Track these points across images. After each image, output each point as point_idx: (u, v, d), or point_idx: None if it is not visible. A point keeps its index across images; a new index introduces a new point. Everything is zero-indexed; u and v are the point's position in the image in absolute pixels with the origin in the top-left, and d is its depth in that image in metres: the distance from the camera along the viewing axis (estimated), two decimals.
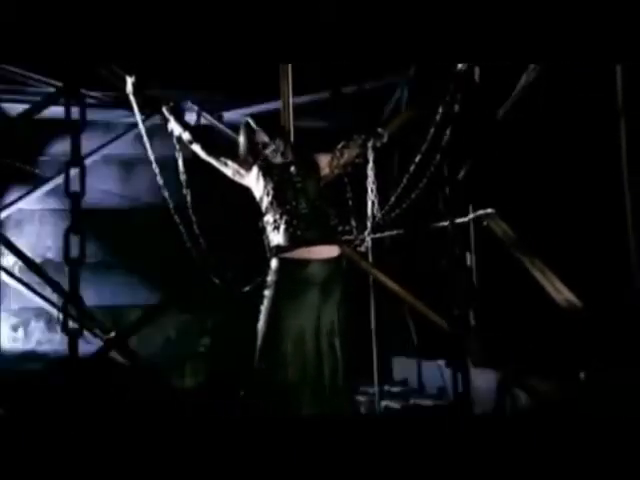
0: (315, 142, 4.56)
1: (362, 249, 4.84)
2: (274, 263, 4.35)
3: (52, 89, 6.80)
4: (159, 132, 4.83)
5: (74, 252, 6.66)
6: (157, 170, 4.84)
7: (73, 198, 6.78)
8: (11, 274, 7.08)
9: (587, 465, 3.68)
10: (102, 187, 7.25)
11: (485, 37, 5.26)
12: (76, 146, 6.80)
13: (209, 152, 4.57)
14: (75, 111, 6.03)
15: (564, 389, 4.95)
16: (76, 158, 6.81)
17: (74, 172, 6.80)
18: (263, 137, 4.46)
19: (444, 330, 5.55)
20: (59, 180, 7.12)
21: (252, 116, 4.55)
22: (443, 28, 5.32)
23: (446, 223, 5.11)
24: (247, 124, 4.52)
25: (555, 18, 5.23)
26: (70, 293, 6.57)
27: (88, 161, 6.98)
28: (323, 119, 6.82)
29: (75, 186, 6.80)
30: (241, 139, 4.54)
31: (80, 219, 6.65)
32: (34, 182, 7.37)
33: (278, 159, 4.45)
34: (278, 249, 4.33)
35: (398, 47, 5.43)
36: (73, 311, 5.69)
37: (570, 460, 3.73)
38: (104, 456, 3.93)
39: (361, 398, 6.13)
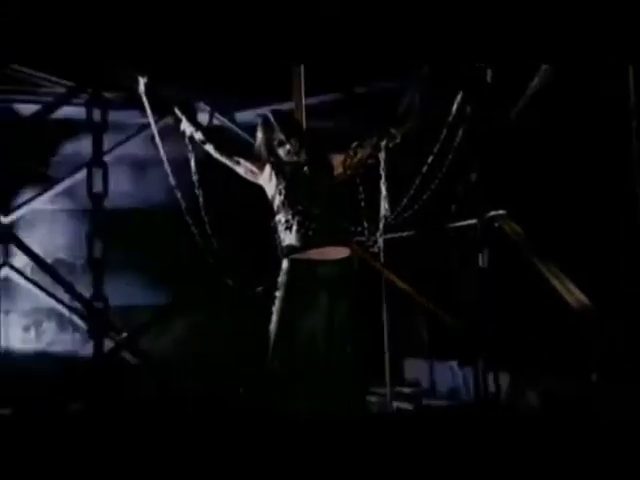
0: (328, 142, 4.57)
1: (374, 250, 4.84)
2: (285, 264, 4.35)
3: (63, 89, 6.82)
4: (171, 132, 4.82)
5: (97, 253, 6.71)
6: (169, 170, 4.84)
7: (95, 199, 6.86)
8: (23, 274, 7.08)
9: (598, 467, 3.67)
10: (114, 188, 7.23)
11: (495, 37, 5.26)
12: (98, 147, 6.87)
13: (222, 152, 4.57)
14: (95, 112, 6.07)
15: (576, 390, 4.95)
16: (97, 158, 6.89)
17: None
18: (279, 135, 4.46)
19: (456, 331, 5.55)
20: (71, 181, 7.13)
21: (272, 112, 4.54)
22: (451, 28, 5.34)
23: (458, 224, 5.12)
24: (266, 120, 4.51)
25: (567, 18, 5.23)
26: (93, 295, 6.65)
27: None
28: (336, 119, 6.81)
29: (94, 187, 6.90)
30: (258, 134, 4.53)
31: (104, 221, 6.66)
32: (46, 182, 7.37)
33: (292, 158, 4.45)
34: (289, 249, 4.33)
35: (407, 47, 5.44)
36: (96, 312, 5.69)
37: (581, 462, 3.72)
38: (112, 455, 3.94)
39: (372, 399, 6.13)
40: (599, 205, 5.78)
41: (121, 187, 7.55)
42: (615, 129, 5.63)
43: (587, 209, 5.80)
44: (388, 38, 5.46)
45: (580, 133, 5.82)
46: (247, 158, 4.52)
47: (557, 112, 5.86)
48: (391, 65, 5.67)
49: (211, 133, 4.65)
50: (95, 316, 6.11)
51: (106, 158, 7.11)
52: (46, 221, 7.60)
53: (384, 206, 4.64)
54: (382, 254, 5.60)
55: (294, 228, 4.32)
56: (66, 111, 7.06)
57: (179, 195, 4.83)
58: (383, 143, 4.54)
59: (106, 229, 6.77)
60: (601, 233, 5.72)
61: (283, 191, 4.37)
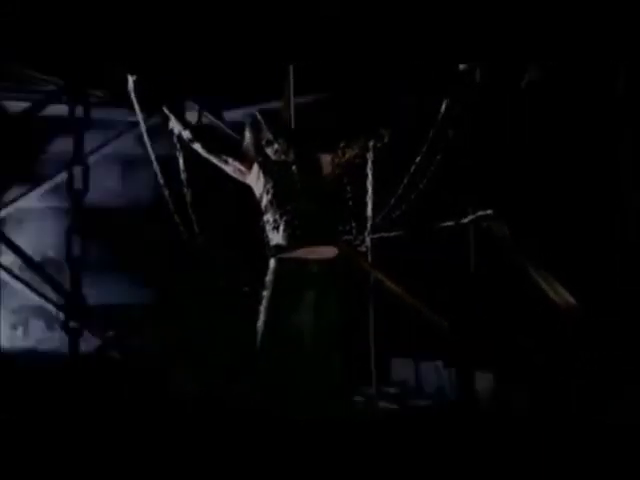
0: (317, 141, 4.57)
1: (362, 249, 4.85)
2: (273, 263, 4.36)
3: (53, 87, 6.80)
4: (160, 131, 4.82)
5: (76, 251, 6.73)
6: (158, 169, 4.84)
7: (75, 196, 6.86)
8: (11, 272, 7.06)
9: (595, 469, 3.69)
10: (103, 186, 7.22)
11: (486, 36, 5.27)
12: (79, 145, 6.87)
13: (210, 150, 4.57)
14: (78, 109, 6.05)
15: (562, 391, 4.96)
16: (78, 157, 6.88)
17: (76, 171, 6.87)
18: (268, 135, 4.46)
19: (444, 331, 5.54)
20: (60, 178, 7.11)
21: (260, 112, 4.54)
22: (444, 28, 5.35)
23: (446, 224, 5.12)
24: (254, 120, 4.51)
25: (557, 17, 5.24)
26: (71, 292, 6.65)
27: (89, 160, 7.02)
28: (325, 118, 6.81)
29: (77, 184, 6.89)
30: (247, 134, 4.53)
31: (82, 218, 6.69)
32: (34, 180, 7.35)
33: (280, 158, 4.45)
34: (277, 249, 4.34)
35: (399, 46, 5.45)
36: (74, 310, 5.71)
37: (578, 464, 3.74)
38: (102, 455, 3.94)
39: (358, 399, 6.12)
40: (590, 205, 5.79)
41: (109, 185, 7.55)
42: (606, 127, 5.64)
43: (578, 208, 5.81)
44: (387, 38, 5.47)
45: (570, 131, 5.83)
46: (235, 157, 4.52)
47: (547, 110, 5.87)
48: (387, 65, 5.67)
49: (199, 132, 4.65)
50: (72, 314, 6.13)
51: (95, 157, 7.11)
52: (34, 219, 7.58)
53: (371, 206, 4.66)
54: (370, 253, 5.61)
55: (281, 227, 4.32)
56: (56, 108, 7.04)
57: (167, 194, 4.83)
58: (371, 143, 4.55)
59: (90, 227, 6.76)
60: (592, 233, 5.72)
61: (271, 190, 4.37)
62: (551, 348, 5.37)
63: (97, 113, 7.06)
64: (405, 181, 4.95)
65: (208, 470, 3.82)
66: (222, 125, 7.32)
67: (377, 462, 3.81)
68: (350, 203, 4.65)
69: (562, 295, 5.29)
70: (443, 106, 4.78)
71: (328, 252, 4.38)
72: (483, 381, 5.56)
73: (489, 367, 5.61)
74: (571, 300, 5.27)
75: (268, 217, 4.39)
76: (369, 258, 5.73)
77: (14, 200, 7.15)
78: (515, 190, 5.85)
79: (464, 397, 5.55)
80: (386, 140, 4.58)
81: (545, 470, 3.69)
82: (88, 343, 6.74)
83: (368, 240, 4.79)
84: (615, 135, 5.60)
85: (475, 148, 5.77)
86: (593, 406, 4.60)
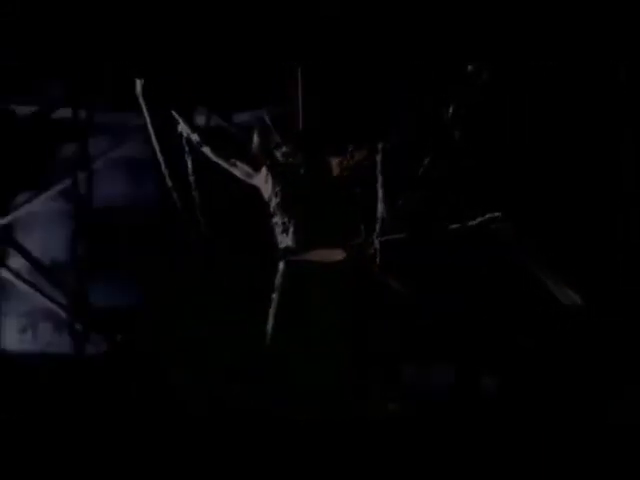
0: (325, 144, 4.58)
1: (371, 251, 4.85)
2: (282, 266, 4.37)
3: (61, 91, 6.82)
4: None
5: (83, 254, 6.76)
6: (166, 172, 4.85)
7: (81, 200, 6.89)
8: (19, 276, 7.09)
9: (597, 469, 3.69)
10: (110, 189, 7.24)
11: (489, 36, 5.28)
12: (83, 149, 6.89)
13: (218, 153, 4.59)
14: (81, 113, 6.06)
15: (562, 391, 4.96)
16: (83, 161, 6.91)
17: (82, 175, 6.90)
18: (276, 138, 4.47)
19: (453, 333, 5.54)
20: (68, 182, 7.13)
21: (269, 115, 4.55)
22: (448, 29, 5.36)
23: (454, 226, 5.12)
24: (263, 123, 4.52)
25: (559, 17, 5.25)
26: (78, 294, 6.66)
27: (97, 163, 7.04)
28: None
29: (83, 188, 6.92)
30: (255, 137, 4.54)
31: (89, 221, 6.71)
32: (43, 184, 7.36)
33: (288, 161, 4.45)
34: (286, 251, 4.35)
35: (403, 47, 5.46)
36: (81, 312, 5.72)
37: (580, 464, 3.73)
38: (108, 455, 3.95)
39: (367, 401, 6.12)
40: (593, 205, 5.79)
41: (117, 189, 7.55)
42: (608, 127, 5.65)
43: (582, 209, 5.81)
44: (388, 38, 5.48)
45: (573, 132, 5.83)
46: (244, 160, 4.53)
47: (550, 111, 5.87)
48: (390, 66, 5.68)
49: (208, 135, 4.66)
50: (79, 317, 6.16)
51: (102, 160, 7.13)
52: (43, 222, 7.59)
53: (380, 208, 4.65)
54: (378, 256, 5.60)
55: (290, 230, 4.34)
56: (64, 112, 7.05)
57: (175, 196, 4.84)
58: (380, 145, 4.55)
59: (98, 230, 6.80)
60: (595, 233, 5.72)
61: (279, 193, 4.38)
62: (551, 348, 5.37)
63: (105, 117, 7.08)
64: (413, 183, 4.94)
65: (209, 470, 3.83)
66: (231, 128, 7.33)
67: (383, 463, 3.82)
68: (358, 205, 4.65)
69: (569, 296, 5.29)
70: (450, 108, 4.78)
71: (337, 254, 4.39)
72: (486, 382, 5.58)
73: (492, 368, 5.62)
74: (578, 301, 5.26)
75: (277, 220, 4.40)
76: (377, 260, 5.74)
77: (22, 204, 7.16)
78: (520, 191, 5.85)
79: (468, 398, 5.55)
80: (394, 143, 4.58)
81: (545, 470, 3.69)
82: (97, 346, 6.76)
83: (377, 242, 4.79)
84: (617, 135, 5.61)
85: (481, 150, 5.78)
86: (593, 406, 4.59)
